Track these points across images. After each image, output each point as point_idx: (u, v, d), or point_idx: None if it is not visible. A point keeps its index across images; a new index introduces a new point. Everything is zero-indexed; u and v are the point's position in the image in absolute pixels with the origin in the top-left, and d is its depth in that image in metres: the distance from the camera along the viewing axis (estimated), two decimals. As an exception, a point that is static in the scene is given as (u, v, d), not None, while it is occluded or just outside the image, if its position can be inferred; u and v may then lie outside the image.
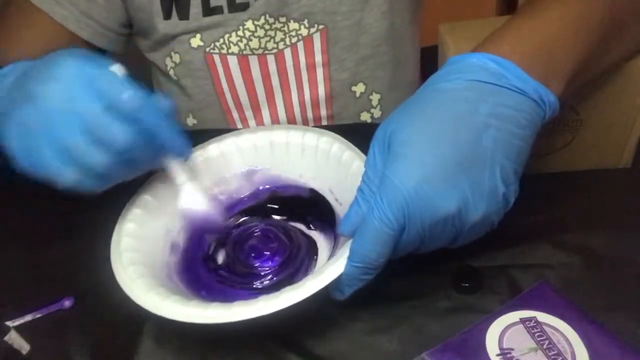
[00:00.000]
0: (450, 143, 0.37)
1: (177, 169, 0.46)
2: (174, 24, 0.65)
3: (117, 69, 0.42)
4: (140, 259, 0.44)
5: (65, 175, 0.41)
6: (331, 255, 0.47)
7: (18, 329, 0.45)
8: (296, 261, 0.48)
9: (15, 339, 0.44)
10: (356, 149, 0.49)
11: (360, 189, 0.40)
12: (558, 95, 0.40)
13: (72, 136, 0.39)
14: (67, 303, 0.48)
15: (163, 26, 0.65)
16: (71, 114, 0.40)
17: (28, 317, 0.47)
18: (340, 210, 0.49)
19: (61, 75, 0.41)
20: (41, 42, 0.63)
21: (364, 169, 0.41)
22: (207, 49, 0.67)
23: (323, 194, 0.52)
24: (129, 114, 0.40)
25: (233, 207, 0.54)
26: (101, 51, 0.67)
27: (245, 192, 0.54)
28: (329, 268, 0.39)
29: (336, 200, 0.50)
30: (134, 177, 0.45)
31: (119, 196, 0.48)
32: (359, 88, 0.71)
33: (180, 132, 0.43)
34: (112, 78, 0.40)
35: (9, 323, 0.46)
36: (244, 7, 0.64)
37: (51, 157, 0.40)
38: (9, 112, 0.42)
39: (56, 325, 0.47)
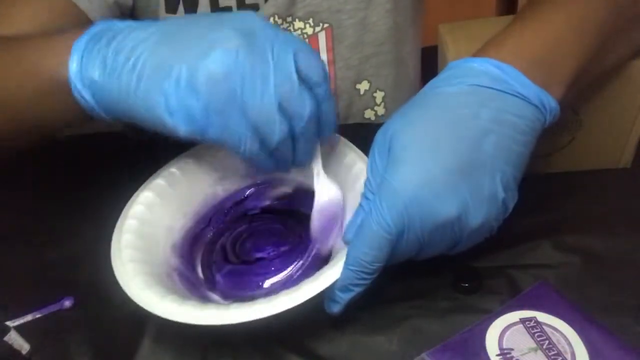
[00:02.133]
0: (451, 148, 0.37)
1: (318, 156, 0.45)
2: None
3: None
4: (140, 256, 0.44)
5: (248, 145, 0.37)
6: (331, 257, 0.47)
7: (18, 329, 0.45)
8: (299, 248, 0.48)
9: (15, 339, 0.44)
10: (359, 151, 0.48)
11: (364, 195, 0.40)
12: (558, 100, 0.40)
13: (268, 99, 0.36)
14: (67, 303, 0.48)
15: None
16: (268, 73, 0.36)
17: (28, 317, 0.47)
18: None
19: (258, 32, 0.37)
20: (46, 12, 0.56)
21: (366, 175, 0.40)
22: None
23: None
24: (315, 84, 0.38)
25: (236, 206, 0.54)
26: None
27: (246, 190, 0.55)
28: (327, 272, 0.39)
29: None
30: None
31: (119, 197, 0.48)
32: (363, 86, 0.72)
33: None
34: (307, 48, 0.38)
35: (9, 323, 0.46)
36: (254, 8, 0.64)
37: (238, 121, 0.36)
38: (169, 67, 0.36)
39: (56, 325, 0.47)
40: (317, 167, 0.45)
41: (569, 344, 0.37)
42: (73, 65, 0.39)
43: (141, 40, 0.38)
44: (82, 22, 0.58)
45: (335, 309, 0.40)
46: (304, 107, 0.37)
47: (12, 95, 0.44)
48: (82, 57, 0.39)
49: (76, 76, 0.39)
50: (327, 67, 0.39)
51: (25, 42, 0.47)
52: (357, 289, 0.39)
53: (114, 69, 0.38)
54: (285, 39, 0.38)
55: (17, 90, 0.44)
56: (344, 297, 0.40)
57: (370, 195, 0.39)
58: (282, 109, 0.37)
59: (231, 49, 0.36)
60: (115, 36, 0.39)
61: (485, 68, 0.39)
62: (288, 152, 0.40)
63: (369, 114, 0.74)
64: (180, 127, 0.37)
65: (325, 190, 0.45)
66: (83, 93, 0.40)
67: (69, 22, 0.56)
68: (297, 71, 0.37)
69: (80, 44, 0.39)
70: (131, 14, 0.68)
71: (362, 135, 0.46)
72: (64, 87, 0.40)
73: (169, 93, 0.36)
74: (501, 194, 0.37)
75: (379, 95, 0.73)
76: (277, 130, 0.37)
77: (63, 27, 0.54)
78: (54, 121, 0.45)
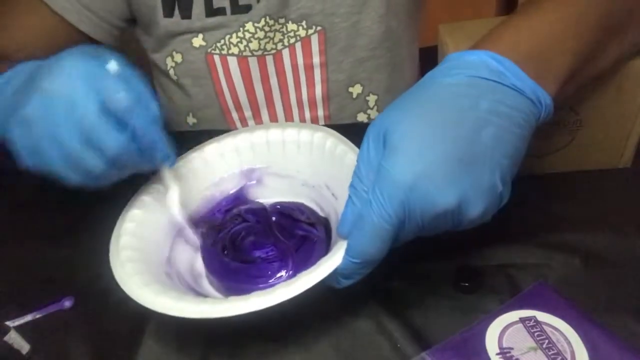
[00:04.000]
0: (451, 138, 0.36)
1: (164, 174, 0.48)
2: (177, 23, 0.66)
3: (114, 65, 0.42)
4: (138, 256, 0.44)
5: (70, 177, 0.43)
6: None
7: (18, 329, 0.45)
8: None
9: (15, 339, 0.44)
10: (350, 142, 0.49)
11: (352, 186, 0.39)
12: (552, 96, 0.40)
13: (71, 140, 0.40)
14: (67, 303, 0.48)
15: (164, 24, 0.66)
16: (69, 114, 0.40)
17: (28, 317, 0.47)
18: (337, 204, 0.49)
19: (62, 74, 0.41)
20: (39, 32, 0.64)
21: (357, 164, 0.40)
22: (209, 50, 0.67)
23: (319, 189, 0.52)
24: (121, 117, 0.41)
25: (230, 205, 0.54)
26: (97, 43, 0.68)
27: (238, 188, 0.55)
28: (325, 263, 0.39)
29: (332, 195, 0.50)
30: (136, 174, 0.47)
31: (118, 197, 0.48)
32: (356, 89, 0.72)
33: (165, 139, 0.45)
34: (108, 77, 0.41)
35: (9, 323, 0.46)
36: (247, 9, 0.64)
37: (55, 158, 0.41)
38: (12, 113, 0.43)
39: (56, 325, 0.47)
40: (165, 185, 0.49)
41: (569, 344, 0.37)
42: None
43: (8, 93, 0.47)
44: (73, 34, 0.65)
45: (338, 286, 0.41)
46: (108, 143, 0.41)
47: None
48: None
49: None
50: (132, 97, 0.42)
51: None
52: (360, 276, 0.40)
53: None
54: (88, 74, 0.41)
55: None
56: (347, 283, 0.40)
57: (359, 185, 0.39)
58: (89, 144, 0.41)
59: (34, 101, 0.41)
60: (7, 85, 0.48)
61: (484, 60, 0.39)
62: (120, 171, 0.44)
63: (361, 117, 0.74)
64: (20, 162, 0.43)
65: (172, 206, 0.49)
66: None
67: (61, 34, 0.64)
68: (105, 105, 0.41)
69: None
70: (132, 19, 0.68)
71: (355, 134, 0.46)
72: None
73: (11, 135, 0.43)
74: (499, 187, 0.37)
75: (372, 99, 0.73)
76: (88, 166, 0.42)
77: (55, 38, 0.63)
78: None
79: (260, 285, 0.45)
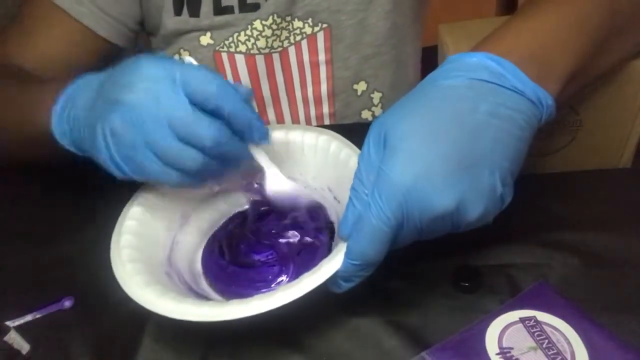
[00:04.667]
0: (450, 140, 0.36)
1: (261, 154, 0.47)
2: (185, 21, 0.66)
3: (192, 60, 0.42)
4: (139, 256, 0.44)
5: (171, 177, 0.41)
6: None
7: (18, 329, 0.45)
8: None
9: (15, 339, 0.44)
10: (354, 146, 0.49)
11: (353, 188, 0.39)
12: (554, 97, 0.40)
13: (165, 139, 0.39)
14: (67, 303, 0.48)
15: (173, 22, 0.66)
16: (159, 113, 0.39)
17: (28, 317, 0.47)
18: (340, 208, 0.49)
19: (141, 77, 0.40)
20: (60, 41, 0.63)
21: (357, 164, 0.40)
22: (217, 48, 0.67)
23: (322, 192, 0.52)
24: (216, 106, 0.40)
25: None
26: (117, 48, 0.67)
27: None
28: (325, 266, 0.39)
29: (335, 198, 0.50)
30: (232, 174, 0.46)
31: (119, 196, 0.48)
32: (361, 86, 0.72)
33: (259, 116, 0.43)
34: (194, 70, 0.40)
35: (9, 323, 0.46)
36: (255, 7, 0.65)
37: (152, 162, 0.40)
38: (95, 125, 0.42)
39: (56, 325, 0.47)
40: (266, 164, 0.47)
41: (569, 344, 0.37)
42: (54, 122, 0.47)
43: (80, 109, 0.45)
44: (94, 41, 0.64)
45: (338, 291, 0.41)
46: (205, 134, 0.40)
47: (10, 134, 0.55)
48: (57, 116, 0.47)
49: (55, 130, 0.47)
50: (226, 83, 0.41)
51: (24, 87, 0.55)
52: (360, 279, 0.40)
53: (71, 129, 0.46)
54: (167, 72, 0.40)
55: (16, 132, 0.54)
56: (347, 286, 0.40)
57: (360, 187, 0.39)
58: (185, 141, 0.40)
59: (118, 110, 0.40)
60: (74, 102, 0.46)
61: (484, 62, 0.39)
62: (216, 168, 0.42)
63: (366, 115, 0.74)
64: (114, 172, 0.43)
65: (277, 185, 0.48)
66: (61, 141, 0.47)
67: (83, 42, 0.64)
68: (192, 99, 0.39)
69: (57, 107, 0.47)
70: (141, 22, 0.68)
71: (359, 134, 0.46)
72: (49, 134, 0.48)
73: (99, 148, 0.42)
74: (499, 189, 0.37)
75: (377, 96, 0.73)
76: (187, 161, 0.40)
77: (78, 47, 0.64)
78: (46, 156, 0.50)
79: (263, 290, 0.45)
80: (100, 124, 0.41)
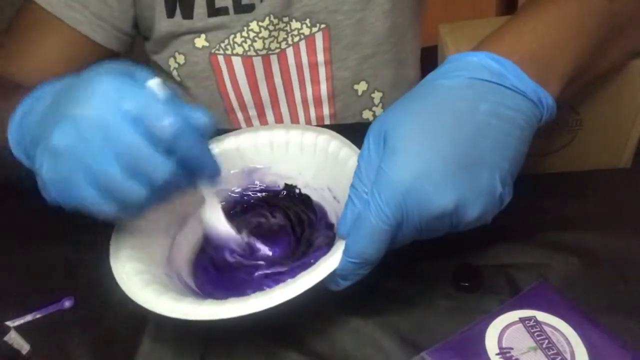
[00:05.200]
0: (450, 140, 0.36)
1: (203, 190, 0.45)
2: (178, 23, 0.65)
3: (155, 84, 0.37)
4: (138, 256, 0.44)
5: (104, 208, 0.37)
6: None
7: (18, 329, 0.45)
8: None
9: (15, 339, 0.44)
10: (354, 146, 0.49)
11: (352, 186, 0.39)
12: (554, 97, 0.40)
13: (109, 168, 0.36)
14: (67, 303, 0.48)
15: (166, 25, 0.66)
16: (107, 142, 0.36)
17: (28, 317, 0.47)
18: (339, 208, 0.49)
19: (95, 98, 0.36)
20: (57, 49, 0.63)
21: (357, 163, 0.40)
22: (212, 50, 0.67)
23: (321, 191, 0.52)
24: (169, 145, 0.37)
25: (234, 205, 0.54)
26: (113, 53, 0.67)
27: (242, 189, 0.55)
28: (323, 263, 0.39)
29: (334, 198, 0.50)
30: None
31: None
32: (361, 86, 0.72)
33: (212, 155, 0.41)
34: (150, 100, 0.37)
35: (9, 323, 0.46)
36: (250, 8, 0.64)
37: (87, 189, 0.37)
38: (39, 139, 0.39)
39: (56, 325, 0.47)
40: (208, 196, 0.45)
41: (569, 344, 0.37)
42: (10, 129, 0.46)
43: (36, 115, 0.43)
44: (90, 48, 0.64)
45: (336, 289, 0.41)
46: (156, 173, 0.36)
47: None
48: (15, 124, 0.45)
49: (11, 138, 0.46)
50: (181, 118, 0.37)
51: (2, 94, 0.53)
52: (358, 277, 0.40)
53: (24, 136, 0.44)
54: (127, 101, 0.36)
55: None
56: (345, 284, 0.40)
57: (360, 186, 0.39)
58: (132, 172, 0.36)
59: (63, 127, 0.36)
60: (32, 108, 0.44)
61: (485, 62, 0.39)
62: (162, 197, 0.39)
63: (366, 115, 0.74)
64: (48, 193, 0.39)
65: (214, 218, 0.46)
66: (15, 151, 0.46)
67: (79, 50, 0.64)
68: (144, 131, 0.36)
69: (16, 113, 0.45)
70: (135, 24, 0.68)
71: (360, 134, 0.46)
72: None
73: (39, 167, 0.39)
74: (499, 189, 0.37)
75: (377, 96, 0.73)
76: (132, 193, 0.37)
77: (75, 55, 0.63)
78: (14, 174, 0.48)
79: (263, 287, 0.45)
80: (44, 141, 0.38)
